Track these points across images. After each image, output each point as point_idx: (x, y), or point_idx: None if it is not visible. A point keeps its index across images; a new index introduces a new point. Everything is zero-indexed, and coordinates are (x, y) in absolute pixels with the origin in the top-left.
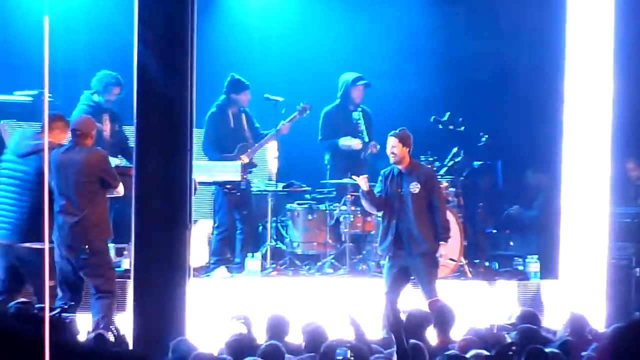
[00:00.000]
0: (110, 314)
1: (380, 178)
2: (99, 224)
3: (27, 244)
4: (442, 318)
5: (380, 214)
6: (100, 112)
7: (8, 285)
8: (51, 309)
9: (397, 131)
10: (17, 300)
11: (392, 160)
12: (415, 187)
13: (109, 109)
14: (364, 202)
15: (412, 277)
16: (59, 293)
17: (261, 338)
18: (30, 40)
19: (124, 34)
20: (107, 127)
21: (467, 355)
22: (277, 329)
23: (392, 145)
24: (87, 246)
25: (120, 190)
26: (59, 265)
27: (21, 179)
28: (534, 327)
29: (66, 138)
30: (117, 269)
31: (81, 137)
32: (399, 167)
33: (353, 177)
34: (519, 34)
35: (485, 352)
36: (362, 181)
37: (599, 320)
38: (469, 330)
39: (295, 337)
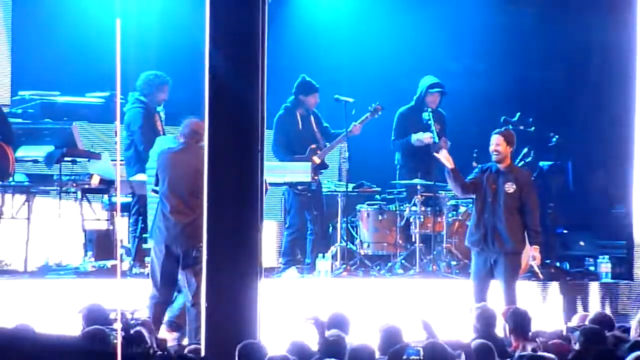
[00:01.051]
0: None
1: (476, 170)
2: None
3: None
4: (517, 322)
5: (464, 210)
6: (151, 113)
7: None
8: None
9: (502, 129)
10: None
11: (494, 158)
12: (510, 187)
13: (157, 110)
14: (449, 181)
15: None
16: (153, 291)
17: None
18: (102, 42)
19: (196, 35)
20: (160, 128)
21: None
22: (338, 327)
23: (497, 143)
24: (200, 245)
25: None
26: (162, 263)
27: None
28: (599, 328)
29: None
30: None
31: (197, 138)
32: (499, 165)
33: (435, 154)
34: (591, 34)
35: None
36: (445, 158)
37: None
38: (535, 333)
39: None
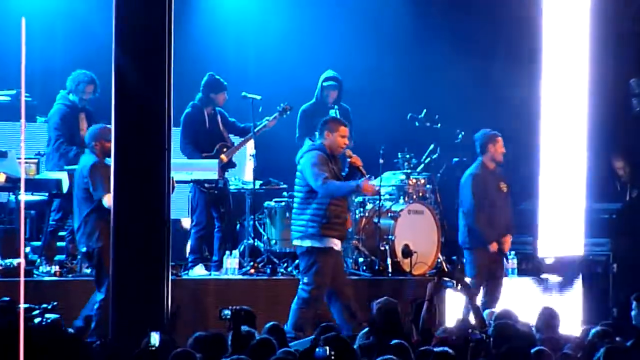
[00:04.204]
0: None
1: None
2: None
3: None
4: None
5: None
6: (76, 112)
7: None
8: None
9: None
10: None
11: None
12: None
13: (85, 108)
14: None
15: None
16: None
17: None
18: (7, 41)
19: (102, 35)
20: (83, 126)
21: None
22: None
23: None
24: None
25: None
26: None
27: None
28: (512, 323)
29: None
30: None
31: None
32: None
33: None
34: (496, 32)
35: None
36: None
37: (576, 316)
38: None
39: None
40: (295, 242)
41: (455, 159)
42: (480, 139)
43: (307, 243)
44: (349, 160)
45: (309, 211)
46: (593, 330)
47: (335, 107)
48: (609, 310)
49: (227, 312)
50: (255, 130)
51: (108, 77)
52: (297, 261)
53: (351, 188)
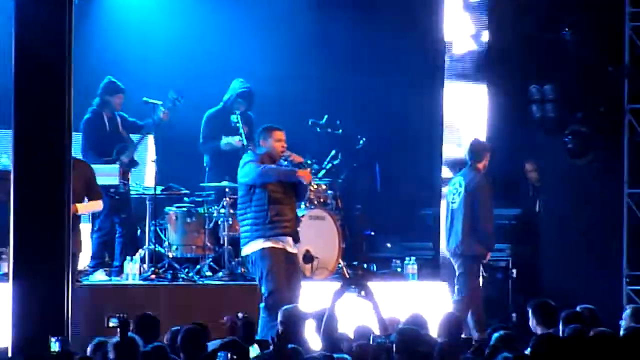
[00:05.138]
0: None
1: None
2: None
3: None
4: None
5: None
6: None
7: None
8: None
9: None
10: None
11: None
12: None
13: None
14: None
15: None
16: None
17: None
18: None
19: (2, 38)
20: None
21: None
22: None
23: None
24: None
25: None
26: None
27: None
28: (416, 329)
29: None
30: None
31: None
32: None
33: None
34: (399, 38)
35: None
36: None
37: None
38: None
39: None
40: (244, 252)
41: (356, 165)
42: (477, 146)
43: (252, 247)
44: (290, 160)
45: (250, 215)
46: (496, 335)
47: (237, 112)
48: (509, 315)
49: (114, 320)
50: (155, 118)
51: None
52: (197, 266)
53: (288, 171)
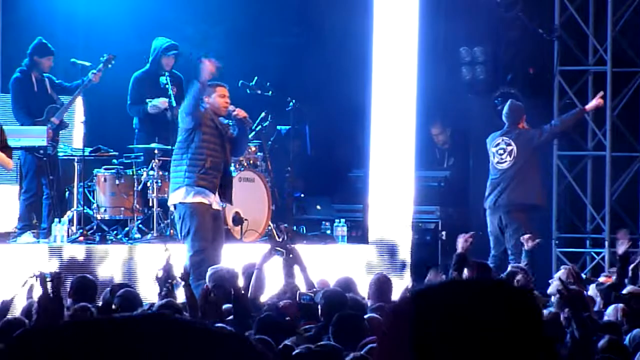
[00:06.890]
0: None
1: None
2: None
3: None
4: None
5: None
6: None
7: None
8: None
9: None
10: None
11: None
12: None
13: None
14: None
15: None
16: None
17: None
18: None
19: None
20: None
21: None
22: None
23: None
24: None
25: None
26: None
27: None
28: (341, 291)
29: None
30: None
31: None
32: None
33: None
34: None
35: None
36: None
37: (405, 284)
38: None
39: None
40: (172, 199)
41: (286, 127)
42: (515, 109)
43: (180, 196)
44: (234, 114)
45: (185, 162)
46: None
47: (166, 74)
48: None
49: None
50: (86, 79)
51: None
52: (126, 229)
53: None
